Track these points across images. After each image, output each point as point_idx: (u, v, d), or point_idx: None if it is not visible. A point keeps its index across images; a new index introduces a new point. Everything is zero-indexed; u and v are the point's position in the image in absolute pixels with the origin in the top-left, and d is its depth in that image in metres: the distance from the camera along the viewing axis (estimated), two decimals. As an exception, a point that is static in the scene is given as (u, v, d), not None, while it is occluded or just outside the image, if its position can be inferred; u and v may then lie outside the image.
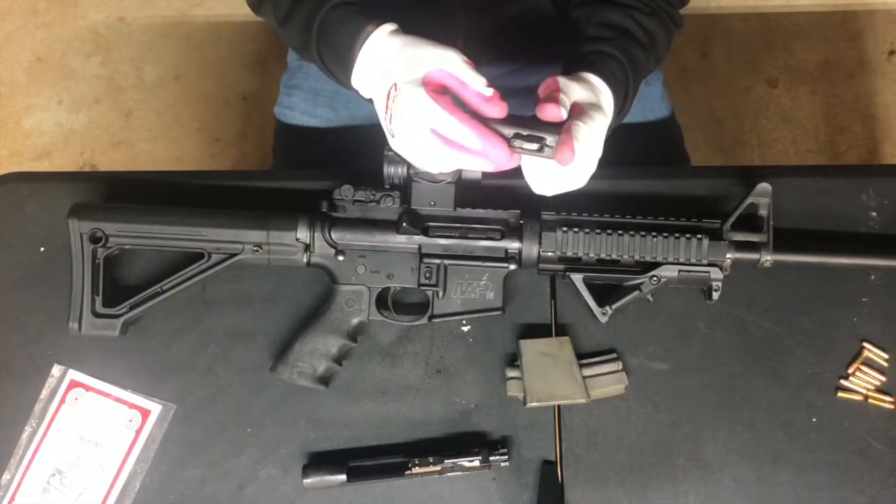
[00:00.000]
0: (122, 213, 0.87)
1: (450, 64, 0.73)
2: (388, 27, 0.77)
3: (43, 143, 1.93)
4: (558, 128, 0.71)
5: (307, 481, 0.85)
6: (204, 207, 0.88)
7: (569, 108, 0.74)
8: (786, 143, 1.87)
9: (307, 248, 0.86)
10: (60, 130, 1.94)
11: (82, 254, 0.85)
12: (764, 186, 0.84)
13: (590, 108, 0.74)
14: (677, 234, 0.84)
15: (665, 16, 0.88)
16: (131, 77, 1.95)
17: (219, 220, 0.86)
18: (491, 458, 0.84)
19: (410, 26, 0.81)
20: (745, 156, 1.85)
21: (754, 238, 0.85)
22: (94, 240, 0.85)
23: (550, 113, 0.72)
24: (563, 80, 0.75)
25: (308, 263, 0.87)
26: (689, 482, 0.86)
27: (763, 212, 0.85)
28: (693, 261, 0.84)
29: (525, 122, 0.73)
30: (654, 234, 0.84)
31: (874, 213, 0.92)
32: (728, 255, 0.84)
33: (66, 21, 2.00)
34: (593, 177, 0.76)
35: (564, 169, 0.72)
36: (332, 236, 0.85)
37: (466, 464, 0.84)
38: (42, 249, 0.93)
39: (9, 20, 2.01)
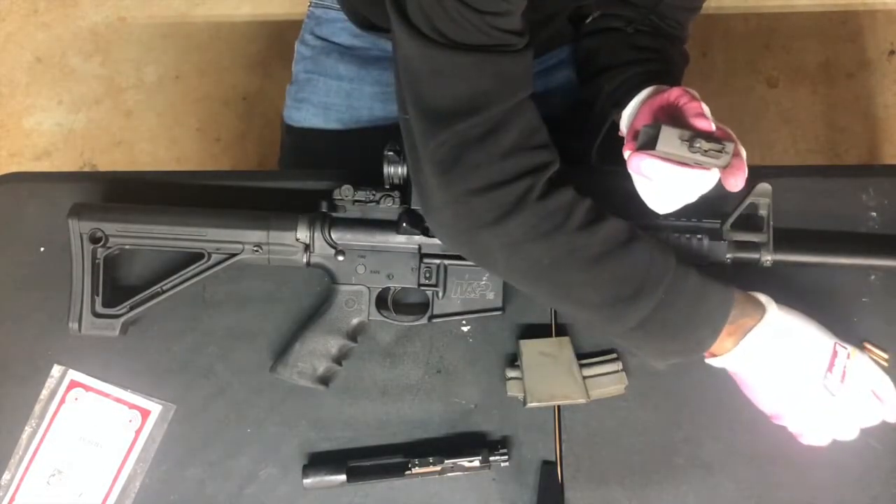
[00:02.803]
0: (122, 213, 0.87)
1: (830, 351, 0.76)
2: (770, 300, 0.76)
3: (43, 143, 1.93)
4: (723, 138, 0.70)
5: (307, 481, 0.85)
6: (204, 207, 0.88)
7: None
8: (786, 143, 1.87)
9: (307, 248, 0.86)
10: (60, 130, 1.94)
11: (82, 254, 0.85)
12: (764, 186, 0.84)
13: (725, 127, 0.74)
14: (677, 234, 0.84)
15: (680, 47, 0.92)
16: (131, 77, 1.95)
17: (219, 220, 0.86)
18: (491, 458, 0.84)
19: None
20: (745, 156, 1.85)
21: (754, 238, 0.85)
22: (94, 240, 0.85)
23: (705, 125, 0.71)
24: (693, 92, 0.74)
25: (308, 263, 0.87)
26: (689, 482, 0.86)
27: (763, 212, 0.85)
28: (693, 261, 0.84)
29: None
30: (654, 234, 0.84)
31: (874, 213, 0.92)
32: (728, 255, 0.84)
33: (66, 21, 2.00)
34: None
35: (706, 184, 0.71)
36: (332, 236, 0.85)
37: (466, 464, 0.84)
38: (42, 249, 0.93)
39: (9, 20, 2.01)
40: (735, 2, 1.94)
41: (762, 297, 0.76)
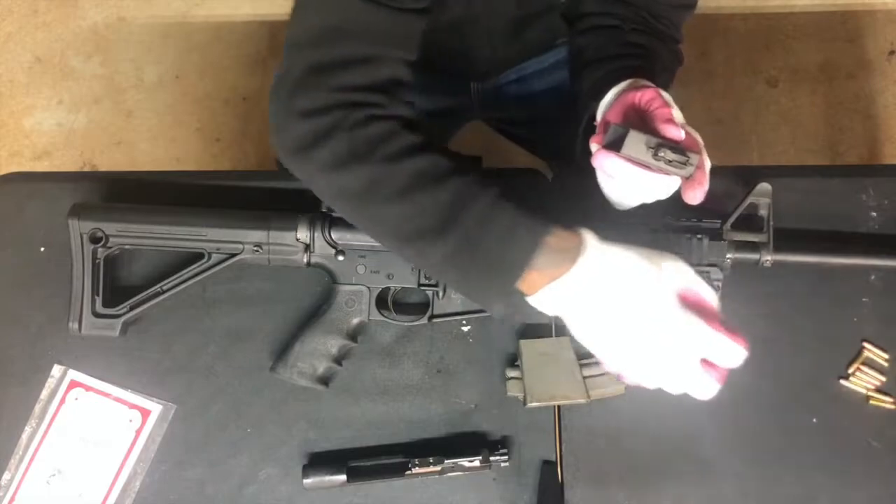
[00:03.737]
0: (122, 213, 0.87)
1: (684, 277, 0.69)
2: (593, 236, 0.69)
3: (43, 143, 1.93)
4: (690, 150, 0.70)
5: (307, 481, 0.85)
6: (204, 207, 0.88)
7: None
8: (786, 143, 1.87)
9: (307, 247, 0.86)
10: (60, 130, 1.94)
11: (82, 254, 0.85)
12: (764, 186, 0.84)
13: (695, 134, 0.73)
14: (677, 234, 0.84)
15: (673, 46, 0.90)
16: (131, 77, 1.95)
17: (219, 220, 0.86)
18: (491, 458, 0.84)
19: (436, 53, 0.79)
20: (745, 156, 1.85)
21: (754, 238, 0.85)
22: (94, 240, 0.85)
23: (674, 133, 0.70)
24: (666, 96, 0.73)
25: (308, 263, 0.87)
26: (689, 482, 0.86)
27: (763, 212, 0.85)
28: (693, 261, 0.84)
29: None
30: (654, 234, 0.84)
31: (874, 213, 0.92)
32: (728, 255, 0.84)
33: (66, 21, 2.00)
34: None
35: (667, 190, 0.71)
36: (332, 236, 0.85)
37: (466, 464, 0.84)
38: (42, 249, 0.93)
39: (9, 20, 2.01)
40: (735, 2, 1.94)
41: (586, 237, 0.68)
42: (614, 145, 0.70)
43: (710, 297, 0.69)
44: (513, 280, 0.68)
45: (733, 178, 0.91)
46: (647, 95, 0.73)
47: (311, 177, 0.73)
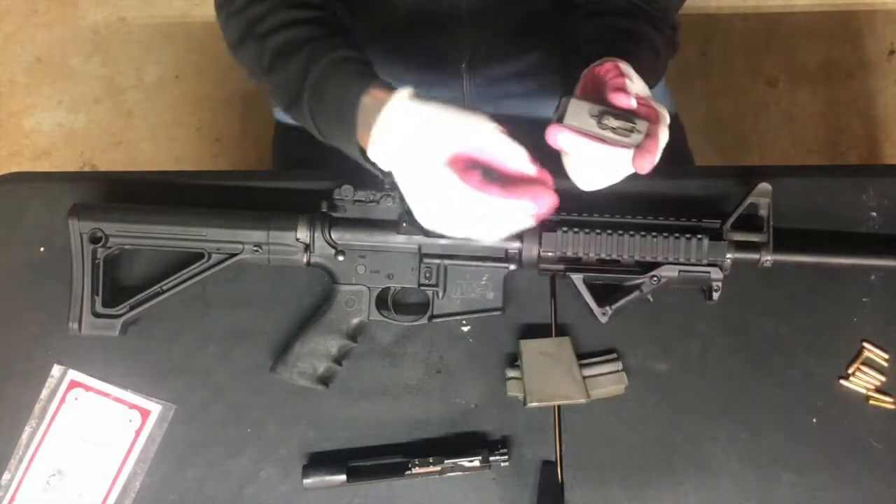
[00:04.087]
0: (122, 213, 0.87)
1: (482, 137, 0.68)
2: (406, 92, 0.69)
3: (43, 143, 1.93)
4: (637, 116, 0.67)
5: (307, 481, 0.85)
6: (204, 207, 0.88)
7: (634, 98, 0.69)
8: (786, 143, 1.87)
9: (307, 248, 0.86)
10: (60, 130, 1.94)
11: (82, 254, 0.85)
12: (764, 186, 0.84)
13: (660, 108, 0.70)
14: (677, 234, 0.84)
15: (666, 31, 0.88)
16: (131, 77, 1.95)
17: (219, 220, 0.86)
18: (491, 458, 0.84)
19: (414, 40, 0.79)
20: (745, 156, 1.85)
21: (754, 238, 0.85)
22: (94, 240, 0.85)
23: (622, 101, 0.67)
24: (625, 67, 0.71)
25: (308, 263, 0.87)
26: (689, 482, 0.86)
27: (763, 212, 0.85)
28: (693, 261, 0.84)
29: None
30: (654, 234, 0.84)
31: (874, 213, 0.92)
32: (728, 255, 0.84)
33: (66, 21, 2.00)
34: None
35: (624, 164, 0.68)
36: (332, 236, 0.85)
37: (466, 464, 0.84)
38: (42, 249, 0.93)
39: (9, 20, 2.01)
40: (735, 2, 1.94)
41: (397, 93, 0.69)
42: (560, 119, 0.68)
43: (506, 158, 0.67)
44: (354, 139, 0.72)
45: (733, 178, 0.91)
46: (606, 67, 0.72)
47: (232, 50, 0.85)
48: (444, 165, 0.67)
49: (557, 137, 0.69)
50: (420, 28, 0.97)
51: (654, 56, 0.86)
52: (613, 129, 0.66)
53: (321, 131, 0.78)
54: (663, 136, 0.69)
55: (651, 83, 0.80)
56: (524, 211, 0.68)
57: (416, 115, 0.68)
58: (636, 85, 0.70)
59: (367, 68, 0.75)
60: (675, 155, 1.10)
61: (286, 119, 1.10)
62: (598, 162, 0.71)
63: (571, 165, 0.75)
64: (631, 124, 0.66)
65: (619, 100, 0.68)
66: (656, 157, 0.68)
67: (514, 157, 0.68)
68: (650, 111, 0.70)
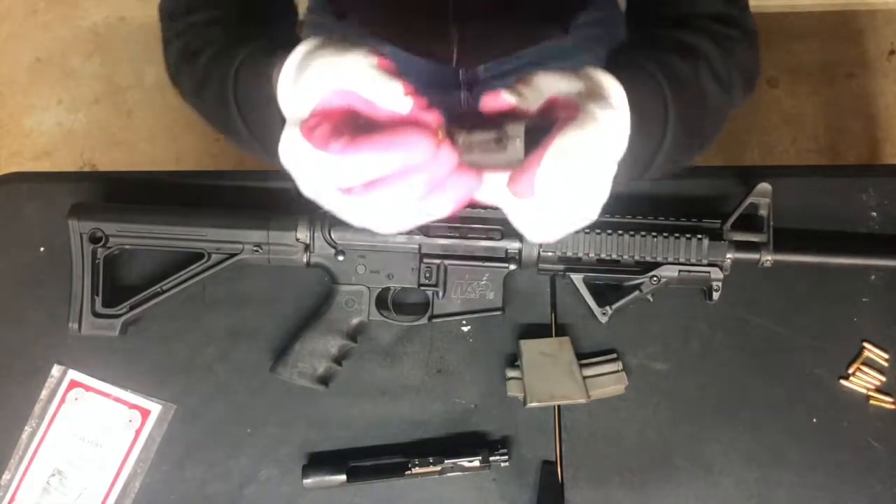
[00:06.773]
0: (122, 213, 0.87)
1: (353, 78, 0.49)
2: (303, 48, 0.53)
3: (43, 143, 1.93)
4: (511, 120, 0.48)
5: (307, 481, 0.85)
6: (204, 207, 0.88)
7: (532, 103, 0.51)
8: (786, 143, 1.87)
9: (307, 248, 0.86)
10: (60, 130, 1.94)
11: (82, 254, 0.85)
12: (764, 186, 0.85)
13: (585, 106, 0.50)
14: (677, 235, 0.84)
15: (738, 36, 0.70)
16: (131, 77, 1.96)
17: (219, 220, 0.86)
18: (491, 458, 0.84)
19: (402, 17, 0.74)
20: (745, 156, 1.85)
21: (754, 238, 0.85)
22: (94, 240, 0.86)
23: (490, 103, 0.50)
24: (540, 73, 0.53)
25: (308, 263, 0.87)
26: (689, 482, 0.86)
27: (763, 212, 0.85)
28: (693, 261, 0.84)
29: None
30: (654, 234, 0.84)
31: (874, 213, 0.92)
32: (728, 255, 0.84)
33: (66, 21, 2.00)
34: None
35: (547, 202, 0.50)
36: (332, 236, 0.85)
37: (466, 464, 0.84)
38: (42, 249, 0.93)
39: (9, 20, 2.01)
40: (735, 2, 1.94)
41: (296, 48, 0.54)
42: None
43: (376, 97, 0.49)
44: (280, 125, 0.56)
45: (733, 178, 0.91)
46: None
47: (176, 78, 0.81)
48: (294, 125, 0.51)
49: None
50: (408, 8, 0.93)
51: (708, 70, 0.69)
52: (479, 146, 0.47)
53: (268, 150, 0.63)
54: (566, 138, 0.48)
55: (698, 105, 0.66)
56: (404, 176, 0.46)
57: (291, 67, 0.53)
58: (540, 80, 0.52)
59: (271, 53, 0.58)
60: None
61: None
62: (501, 201, 0.53)
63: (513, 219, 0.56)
64: (494, 132, 0.47)
65: (484, 102, 0.50)
66: (538, 173, 0.47)
67: (386, 95, 0.48)
68: (558, 107, 0.51)
